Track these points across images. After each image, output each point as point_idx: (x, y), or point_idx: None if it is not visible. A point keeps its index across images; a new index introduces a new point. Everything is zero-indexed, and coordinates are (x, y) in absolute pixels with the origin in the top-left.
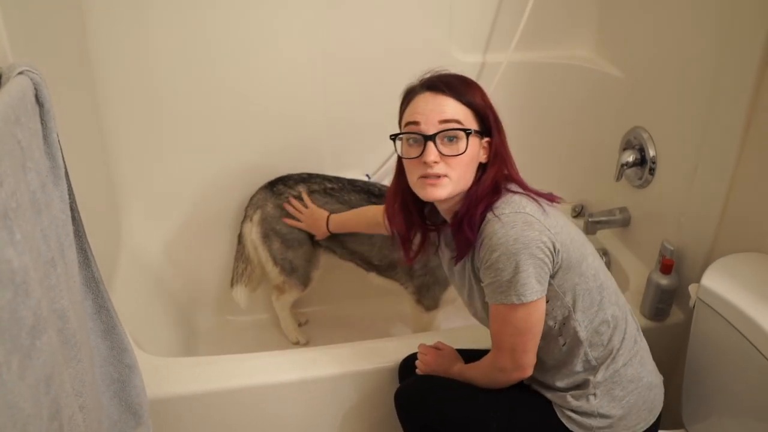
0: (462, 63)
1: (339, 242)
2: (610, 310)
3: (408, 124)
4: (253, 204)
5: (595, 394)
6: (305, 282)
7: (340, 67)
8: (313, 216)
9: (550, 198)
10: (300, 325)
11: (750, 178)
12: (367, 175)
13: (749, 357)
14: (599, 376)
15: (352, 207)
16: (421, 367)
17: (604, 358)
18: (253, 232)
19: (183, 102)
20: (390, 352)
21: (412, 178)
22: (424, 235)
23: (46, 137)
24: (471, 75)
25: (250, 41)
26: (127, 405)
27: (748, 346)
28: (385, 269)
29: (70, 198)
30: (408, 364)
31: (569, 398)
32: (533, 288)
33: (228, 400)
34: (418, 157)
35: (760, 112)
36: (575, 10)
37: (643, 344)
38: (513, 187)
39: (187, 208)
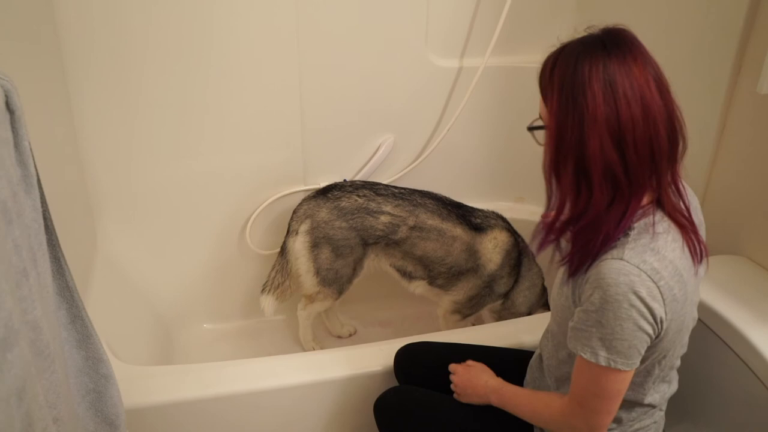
0: (439, 68)
1: (400, 248)
2: (649, 399)
3: None
4: (299, 216)
5: None
6: (341, 291)
7: (317, 73)
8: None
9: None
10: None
11: (725, 182)
12: (345, 180)
13: (728, 361)
14: None
15: (427, 210)
16: (455, 388)
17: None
18: (297, 242)
19: (159, 107)
20: (371, 357)
21: None
22: None
23: (17, 145)
24: (448, 80)
25: (227, 48)
26: (104, 416)
27: (727, 351)
28: (450, 277)
29: (42, 206)
30: (405, 353)
31: None
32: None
33: (206, 408)
34: None
35: (733, 116)
36: (552, 14)
37: (661, 419)
38: (658, 218)
39: (163, 214)
